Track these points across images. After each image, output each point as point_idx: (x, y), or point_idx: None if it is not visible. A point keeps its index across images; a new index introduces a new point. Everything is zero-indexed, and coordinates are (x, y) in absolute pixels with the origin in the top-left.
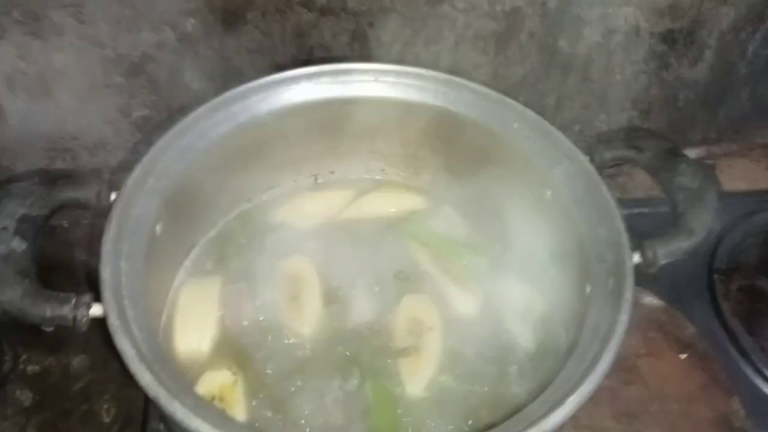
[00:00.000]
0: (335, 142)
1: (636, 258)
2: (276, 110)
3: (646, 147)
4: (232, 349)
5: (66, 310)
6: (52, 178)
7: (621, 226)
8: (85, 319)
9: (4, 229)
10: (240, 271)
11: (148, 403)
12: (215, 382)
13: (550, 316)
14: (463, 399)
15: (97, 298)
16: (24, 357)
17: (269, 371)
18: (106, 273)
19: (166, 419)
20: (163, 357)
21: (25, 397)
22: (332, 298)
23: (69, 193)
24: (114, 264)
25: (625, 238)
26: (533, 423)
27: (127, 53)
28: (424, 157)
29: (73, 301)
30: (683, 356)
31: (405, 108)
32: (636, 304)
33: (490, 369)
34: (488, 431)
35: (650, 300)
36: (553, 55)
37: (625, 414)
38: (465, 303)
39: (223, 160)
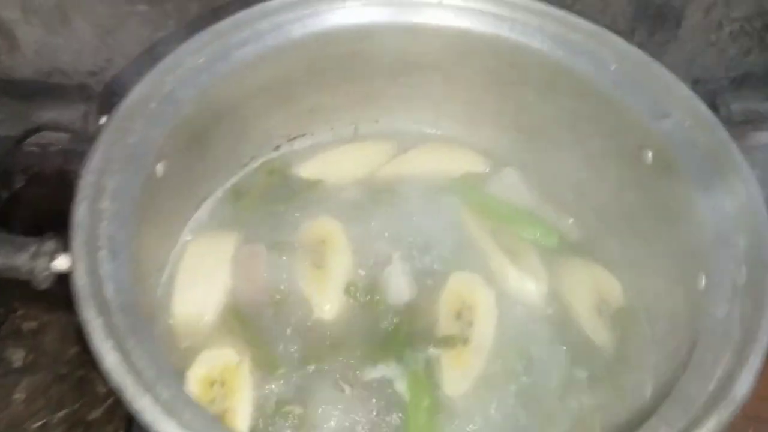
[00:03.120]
0: (381, 84)
1: None
2: (314, 34)
3: None
4: (241, 323)
5: (21, 260)
6: (31, 93)
7: (758, 197)
8: (45, 273)
9: None
10: (258, 231)
11: None
12: (216, 362)
13: (636, 309)
14: (512, 416)
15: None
16: (20, 312)
17: (282, 355)
18: (79, 213)
19: None
20: (145, 330)
21: (16, 356)
22: (364, 269)
23: (49, 113)
24: (93, 203)
25: (764, 214)
26: None
27: None
28: (488, 108)
29: (33, 248)
30: None
31: (471, 41)
32: None
33: (552, 373)
34: None
35: None
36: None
37: None
38: (526, 288)
39: (247, 92)
